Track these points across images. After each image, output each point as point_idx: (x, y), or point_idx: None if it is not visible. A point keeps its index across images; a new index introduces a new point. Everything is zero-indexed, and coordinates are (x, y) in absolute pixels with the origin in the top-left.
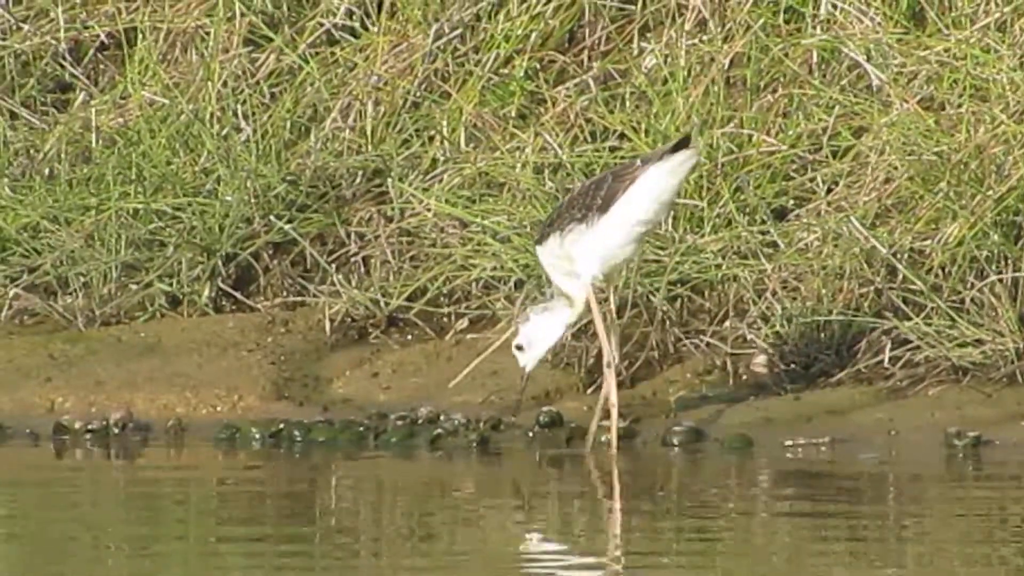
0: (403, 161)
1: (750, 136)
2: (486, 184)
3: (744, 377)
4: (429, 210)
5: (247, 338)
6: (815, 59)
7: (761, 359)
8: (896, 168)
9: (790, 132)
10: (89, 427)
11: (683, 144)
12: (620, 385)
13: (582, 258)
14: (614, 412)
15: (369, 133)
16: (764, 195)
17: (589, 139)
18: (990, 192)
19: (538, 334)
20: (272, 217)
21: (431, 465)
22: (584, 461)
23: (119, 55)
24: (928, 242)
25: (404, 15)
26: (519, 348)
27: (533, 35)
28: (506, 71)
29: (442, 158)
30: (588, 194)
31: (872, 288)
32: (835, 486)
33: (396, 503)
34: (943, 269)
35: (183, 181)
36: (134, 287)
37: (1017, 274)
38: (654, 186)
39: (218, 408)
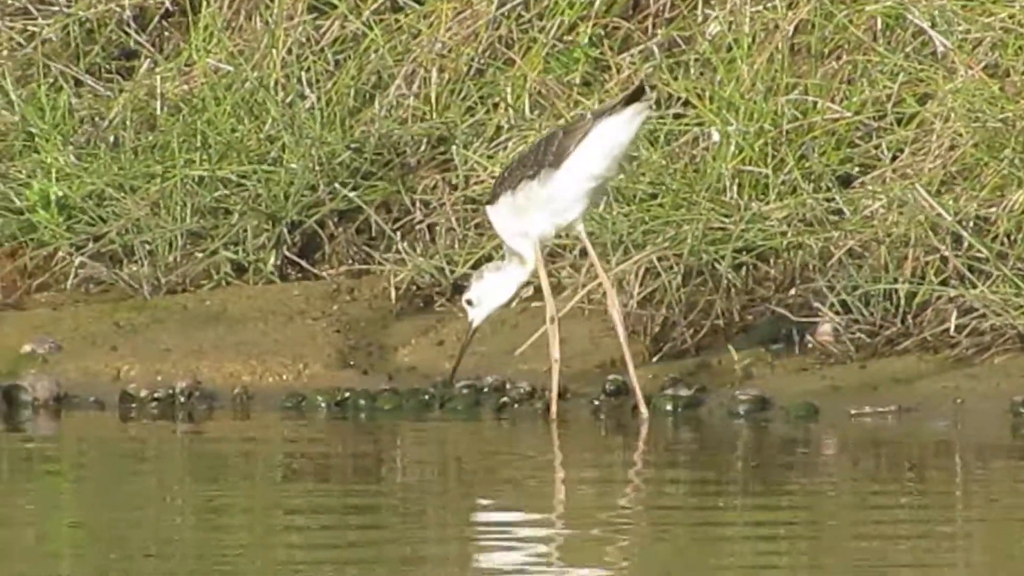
0: (467, 128)
1: (815, 103)
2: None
3: (810, 345)
4: (494, 177)
5: (312, 306)
6: (879, 25)
7: (827, 327)
8: (961, 135)
9: (854, 99)
10: (155, 395)
11: (636, 96)
12: (685, 353)
13: (534, 215)
14: (556, 368)
15: (433, 100)
16: (829, 162)
17: (653, 106)
18: None
19: (490, 291)
20: (337, 185)
21: (496, 433)
22: (649, 429)
23: (184, 22)
24: (993, 209)
25: None
26: (469, 303)
27: (597, 2)
28: (570, 38)
29: (506, 125)
30: (539, 151)
31: (938, 256)
32: (901, 455)
33: (461, 471)
34: (1008, 236)
35: (248, 149)
36: (199, 255)
37: None
38: (606, 140)
39: (284, 376)
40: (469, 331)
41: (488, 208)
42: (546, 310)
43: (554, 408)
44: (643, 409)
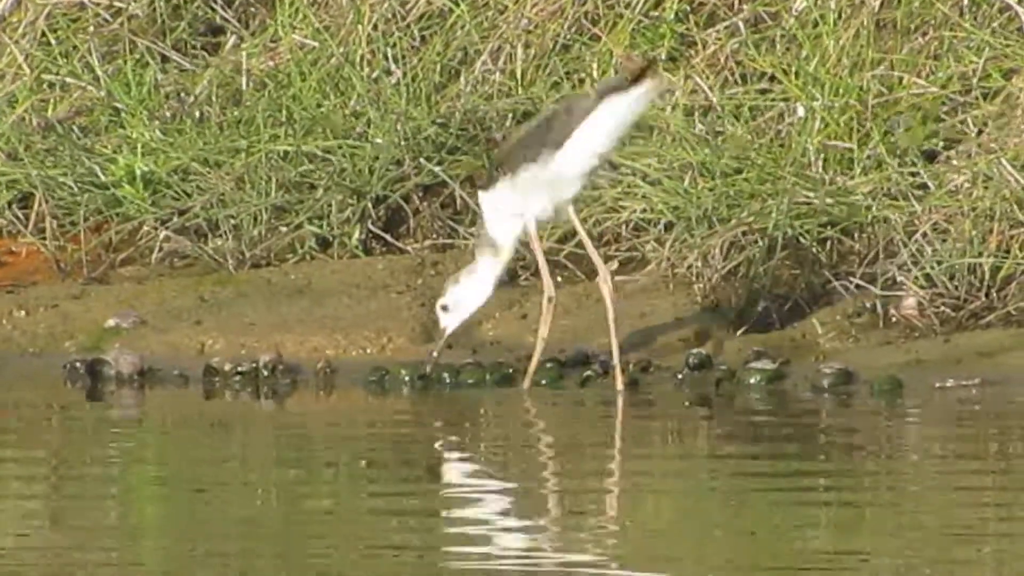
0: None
1: (900, 78)
2: (636, 126)
3: (894, 319)
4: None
5: (397, 280)
6: (966, 1)
7: (911, 301)
8: None
9: (940, 74)
10: (239, 369)
11: (643, 73)
12: (769, 327)
13: (533, 197)
14: (540, 346)
15: (519, 76)
16: (915, 137)
17: (739, 81)
18: None
19: (468, 295)
20: (422, 159)
21: (579, 407)
22: (733, 402)
23: None
24: None
25: None
26: (443, 308)
27: None
28: (656, 13)
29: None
30: (540, 131)
31: (1022, 230)
32: (986, 428)
33: (544, 444)
34: None
35: (333, 124)
36: (284, 229)
37: None
38: (611, 119)
39: (368, 350)
40: (440, 338)
41: (481, 192)
42: (543, 290)
43: (528, 382)
44: (620, 383)
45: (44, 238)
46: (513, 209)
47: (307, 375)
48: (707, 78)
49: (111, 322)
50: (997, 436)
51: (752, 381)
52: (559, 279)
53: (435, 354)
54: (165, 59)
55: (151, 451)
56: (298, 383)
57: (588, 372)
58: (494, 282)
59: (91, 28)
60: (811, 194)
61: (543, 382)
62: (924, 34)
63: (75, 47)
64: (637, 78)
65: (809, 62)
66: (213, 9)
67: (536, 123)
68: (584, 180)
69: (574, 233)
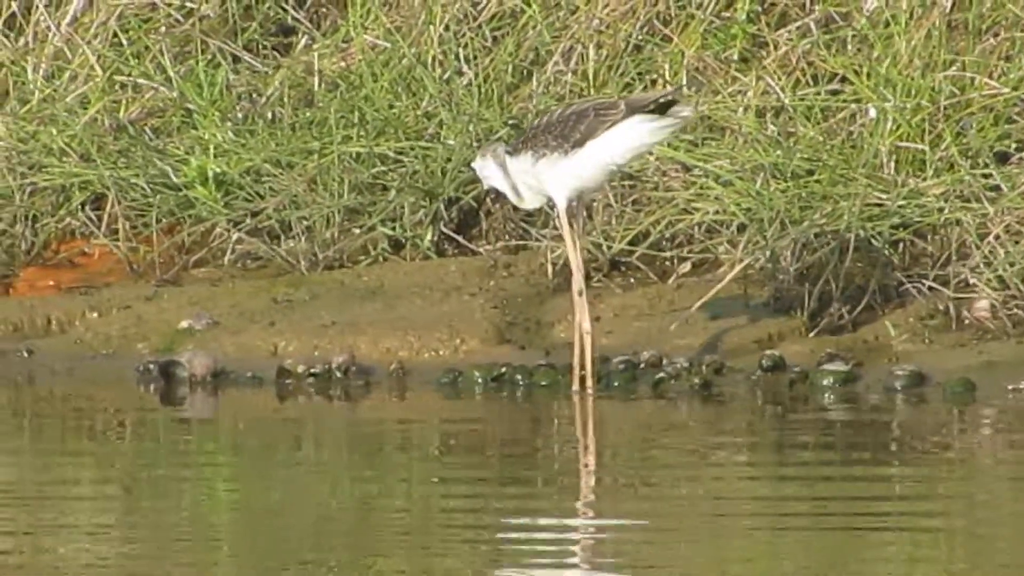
0: None
1: (972, 79)
2: (708, 128)
3: (966, 321)
4: (651, 154)
5: (469, 282)
6: None
7: (983, 303)
8: None
9: (1012, 75)
10: (312, 371)
11: (672, 103)
12: (842, 329)
13: (551, 183)
14: (588, 340)
15: (591, 77)
16: (987, 138)
17: (811, 82)
18: None
19: (485, 173)
20: None
21: (653, 408)
22: (805, 404)
23: None
24: None
25: None
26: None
27: None
28: (728, 14)
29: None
30: (568, 124)
31: None
32: None
33: (619, 446)
34: None
35: (405, 125)
36: (357, 231)
37: None
38: (633, 137)
39: (440, 352)
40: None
41: (508, 156)
42: (573, 283)
43: (589, 379)
44: (589, 385)
45: (117, 239)
46: (531, 183)
47: (380, 377)
48: (778, 79)
49: (184, 324)
50: None
51: (825, 383)
52: (631, 280)
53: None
54: (236, 60)
55: (225, 454)
56: (371, 385)
57: (661, 374)
58: (500, 189)
59: (163, 29)
60: (883, 196)
61: (615, 384)
62: (996, 35)
63: (147, 48)
64: (666, 106)
65: (881, 63)
66: (284, 10)
67: (568, 112)
68: (604, 180)
69: (646, 235)
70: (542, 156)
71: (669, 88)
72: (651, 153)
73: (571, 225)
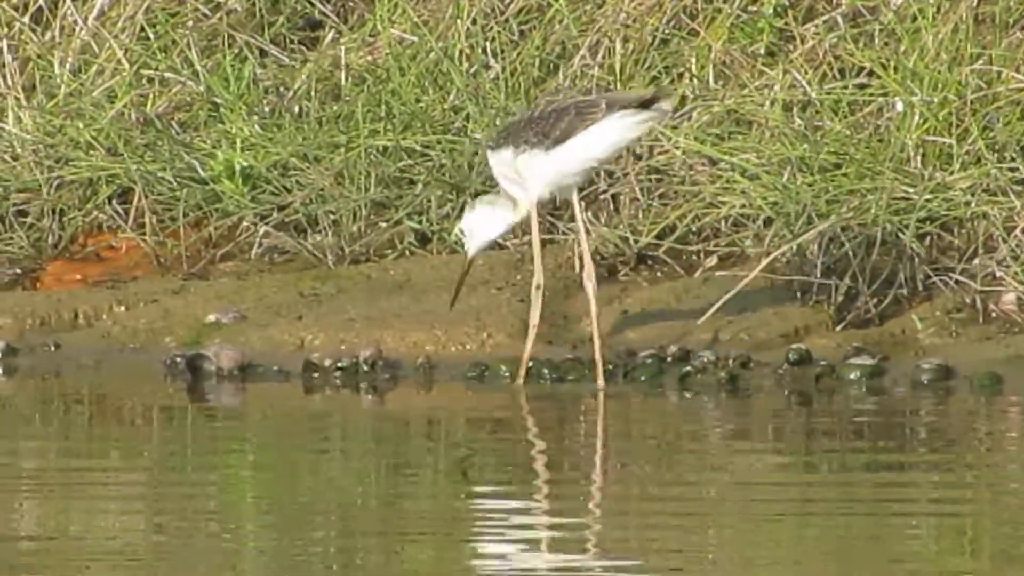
0: None
1: (999, 73)
2: (735, 122)
3: (993, 315)
4: (678, 148)
5: (496, 276)
6: None
7: (1011, 296)
8: None
9: None
10: (338, 365)
11: (652, 101)
12: (869, 323)
13: (530, 178)
14: (532, 334)
15: (618, 70)
16: (1013, 132)
17: (838, 76)
18: None
19: (480, 225)
20: None
21: (679, 402)
22: (832, 398)
23: None
24: None
25: None
26: (461, 232)
27: None
28: (755, 8)
29: (691, 95)
30: (548, 120)
31: None
32: None
33: (645, 440)
34: None
35: (432, 119)
36: (383, 225)
37: None
38: (613, 133)
39: (467, 346)
40: (465, 262)
41: (489, 151)
42: (533, 277)
43: (522, 372)
44: (600, 381)
45: (144, 233)
46: (512, 177)
47: (407, 370)
48: (805, 73)
49: (211, 317)
50: None
51: (852, 377)
52: (658, 274)
53: (459, 284)
54: (264, 54)
55: (252, 447)
56: (398, 378)
57: (688, 368)
58: (505, 228)
59: (190, 23)
60: (910, 189)
61: (641, 378)
62: (1023, 28)
63: (174, 42)
64: (647, 102)
65: (908, 57)
66: (312, 4)
67: (549, 109)
68: (583, 176)
69: (672, 228)
70: (522, 152)
71: (670, 87)
72: (678, 147)
73: (538, 218)
